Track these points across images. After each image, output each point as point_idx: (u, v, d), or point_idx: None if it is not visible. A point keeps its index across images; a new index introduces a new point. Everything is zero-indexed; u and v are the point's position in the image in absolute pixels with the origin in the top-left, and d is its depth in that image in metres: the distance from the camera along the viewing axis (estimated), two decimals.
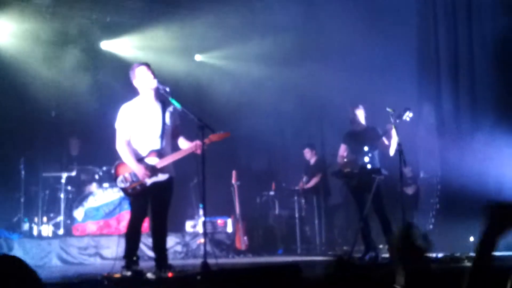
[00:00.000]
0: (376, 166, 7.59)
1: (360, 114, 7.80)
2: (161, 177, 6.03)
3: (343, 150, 7.98)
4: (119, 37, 11.42)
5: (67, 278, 6.13)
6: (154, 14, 11.19)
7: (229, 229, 9.84)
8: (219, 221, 9.85)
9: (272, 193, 10.87)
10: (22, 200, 8.97)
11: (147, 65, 6.14)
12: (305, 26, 11.31)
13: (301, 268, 4.64)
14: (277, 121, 12.28)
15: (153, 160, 6.00)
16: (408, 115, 7.32)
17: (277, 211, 10.87)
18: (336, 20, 10.60)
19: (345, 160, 7.74)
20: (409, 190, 9.98)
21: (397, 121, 7.25)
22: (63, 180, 9.25)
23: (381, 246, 7.94)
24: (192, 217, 10.01)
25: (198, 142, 6.01)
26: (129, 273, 5.75)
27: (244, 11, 11.17)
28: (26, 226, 8.93)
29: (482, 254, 2.22)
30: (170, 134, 6.20)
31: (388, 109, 7.28)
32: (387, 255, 7.55)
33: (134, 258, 5.98)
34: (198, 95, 11.62)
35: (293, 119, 12.10)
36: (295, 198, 10.48)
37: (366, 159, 7.55)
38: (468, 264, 6.39)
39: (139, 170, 5.92)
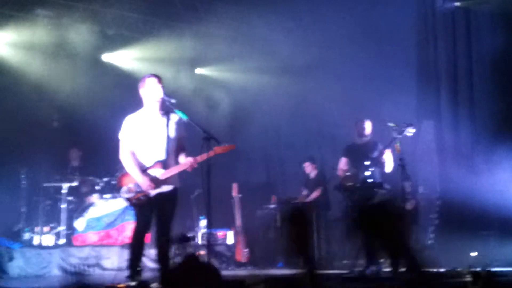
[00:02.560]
0: (377, 180, 7.62)
1: (368, 128, 7.84)
2: (166, 188, 6.04)
3: (343, 164, 8.01)
4: (121, 49, 11.48)
5: None
6: (155, 28, 11.26)
7: (229, 241, 9.85)
8: (220, 233, 9.86)
9: (272, 206, 10.88)
10: (23, 209, 8.98)
11: (158, 77, 6.17)
12: (304, 40, 11.39)
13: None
14: (276, 134, 12.32)
15: (157, 171, 6.02)
16: (410, 131, 7.36)
17: (277, 224, 10.86)
18: (336, 35, 10.71)
19: (347, 174, 7.77)
20: (408, 205, 10.00)
21: (399, 136, 7.29)
22: (64, 191, 9.26)
23: (381, 260, 7.94)
24: (192, 229, 10.01)
25: (191, 159, 6.02)
26: (133, 284, 5.76)
27: (243, 25, 11.26)
28: (27, 236, 8.93)
29: None
30: (175, 146, 6.22)
31: (390, 124, 7.34)
32: (388, 269, 7.58)
33: (138, 269, 5.99)
34: (196, 108, 11.66)
35: (292, 132, 12.14)
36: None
37: (367, 173, 7.58)
38: (469, 279, 6.42)
39: (143, 182, 5.94)
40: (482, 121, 9.58)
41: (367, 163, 7.56)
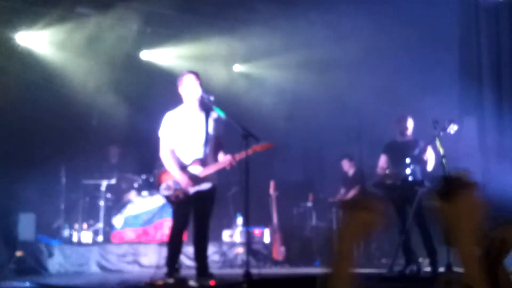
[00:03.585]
0: (418, 178, 7.48)
1: (410, 125, 7.70)
2: (204, 186, 6.03)
3: (383, 161, 7.88)
4: (159, 47, 11.49)
5: (109, 285, 6.16)
6: (193, 25, 11.23)
7: (266, 239, 9.79)
8: (256, 231, 9.80)
9: (309, 204, 10.79)
10: (62, 206, 9.06)
11: (196, 74, 6.15)
12: (344, 36, 11.24)
13: None
14: (314, 131, 12.21)
15: (196, 169, 6.01)
16: (452, 128, 7.20)
17: (314, 223, 10.79)
18: (376, 30, 10.54)
19: (387, 171, 7.64)
20: None
21: (441, 133, 7.14)
22: (103, 188, 9.33)
23: (421, 259, 7.81)
24: (229, 227, 9.97)
25: (230, 157, 5.98)
26: (171, 281, 5.76)
27: (282, 21, 11.16)
28: (66, 233, 9.01)
29: None
30: (213, 143, 6.20)
31: (432, 121, 7.19)
32: (428, 269, 7.44)
33: (176, 266, 6.00)
34: (234, 105, 11.60)
35: (330, 130, 12.00)
36: (333, 210, 10.38)
37: (408, 171, 7.45)
38: None
39: (182, 179, 5.94)
40: None
41: (408, 160, 7.43)
